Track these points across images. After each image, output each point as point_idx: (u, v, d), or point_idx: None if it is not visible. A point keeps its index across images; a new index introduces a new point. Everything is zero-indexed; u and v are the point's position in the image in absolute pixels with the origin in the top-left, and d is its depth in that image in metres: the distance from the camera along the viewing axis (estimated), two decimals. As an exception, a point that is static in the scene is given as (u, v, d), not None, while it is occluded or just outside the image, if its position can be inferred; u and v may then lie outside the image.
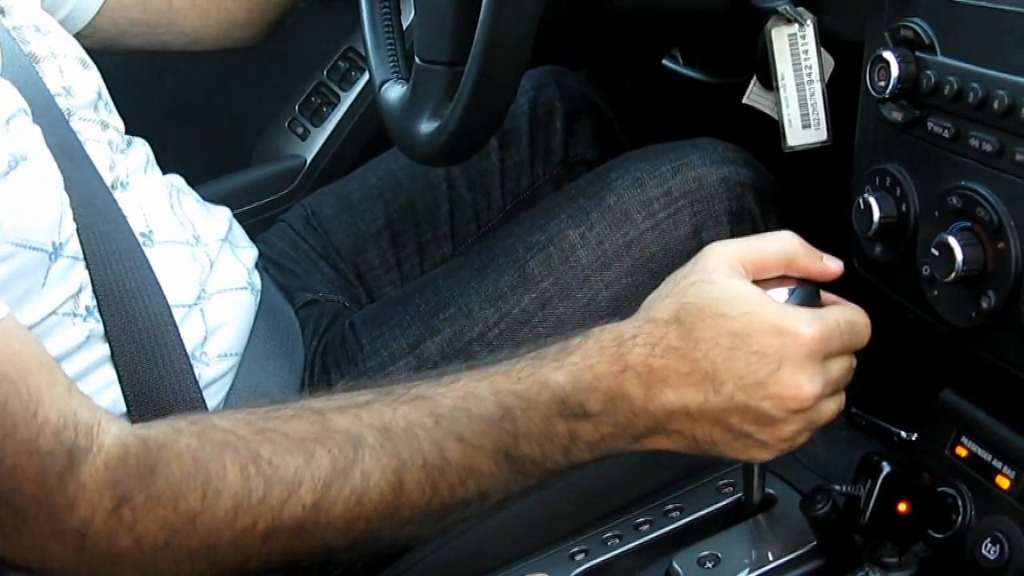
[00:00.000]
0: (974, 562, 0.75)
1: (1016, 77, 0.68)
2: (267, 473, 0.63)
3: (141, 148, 0.96)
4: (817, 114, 0.93)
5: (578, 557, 0.82)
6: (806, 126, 0.93)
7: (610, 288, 0.97)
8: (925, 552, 0.78)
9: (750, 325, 0.65)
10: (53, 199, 0.75)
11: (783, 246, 0.70)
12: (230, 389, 0.89)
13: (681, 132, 1.05)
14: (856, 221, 0.81)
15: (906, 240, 0.78)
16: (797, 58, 0.92)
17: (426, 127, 0.94)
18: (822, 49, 0.91)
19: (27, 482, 0.60)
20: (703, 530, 0.81)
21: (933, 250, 0.73)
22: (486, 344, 0.97)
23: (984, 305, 0.71)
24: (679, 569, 0.77)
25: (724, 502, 0.84)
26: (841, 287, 0.73)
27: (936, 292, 0.75)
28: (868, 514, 0.73)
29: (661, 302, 0.69)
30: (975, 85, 0.70)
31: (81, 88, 0.89)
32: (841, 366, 0.68)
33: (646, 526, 0.83)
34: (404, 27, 1.07)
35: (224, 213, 1.04)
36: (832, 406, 0.69)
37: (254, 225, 1.19)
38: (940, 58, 0.74)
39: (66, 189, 0.76)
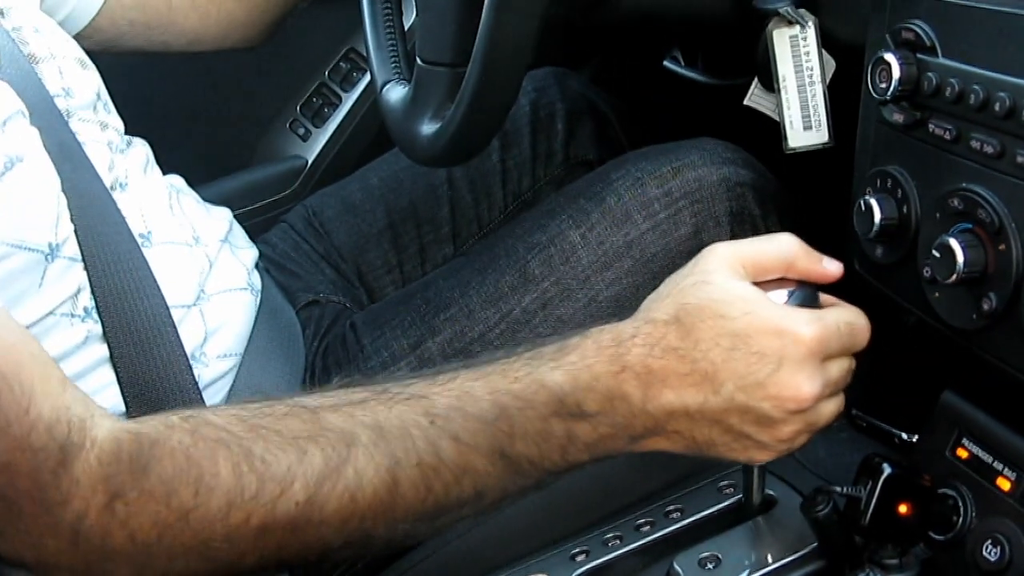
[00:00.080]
0: (975, 564, 0.75)
1: (1017, 79, 0.68)
2: (260, 470, 0.63)
3: (141, 149, 0.96)
4: (818, 116, 0.93)
5: (579, 558, 0.82)
6: (807, 128, 0.93)
7: (611, 288, 0.97)
8: (926, 554, 0.78)
9: (750, 326, 0.65)
10: (49, 200, 0.75)
11: (783, 248, 0.70)
12: (230, 390, 0.89)
13: (682, 133, 1.05)
14: (857, 223, 0.81)
15: (907, 242, 0.78)
16: (798, 60, 0.92)
17: (428, 128, 0.94)
18: (823, 51, 0.91)
19: (21, 477, 0.60)
20: (704, 531, 0.81)
21: (934, 252, 0.73)
22: (487, 344, 0.97)
23: (985, 307, 0.71)
24: (680, 570, 0.77)
25: (725, 503, 0.84)
26: (842, 289, 0.74)
27: (937, 294, 0.75)
28: (869, 516, 0.73)
29: (660, 303, 0.69)
30: (976, 87, 0.70)
31: (80, 89, 0.89)
32: (840, 367, 0.69)
33: (647, 527, 0.83)
34: (406, 28, 1.07)
35: (224, 214, 1.04)
36: (831, 407, 0.69)
37: (255, 226, 1.19)
38: (941, 60, 0.74)
39: (64, 190, 0.76)
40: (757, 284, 0.69)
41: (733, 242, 0.71)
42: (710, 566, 0.76)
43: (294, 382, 0.97)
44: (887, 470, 0.73)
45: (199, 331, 0.87)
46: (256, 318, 0.96)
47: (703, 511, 0.84)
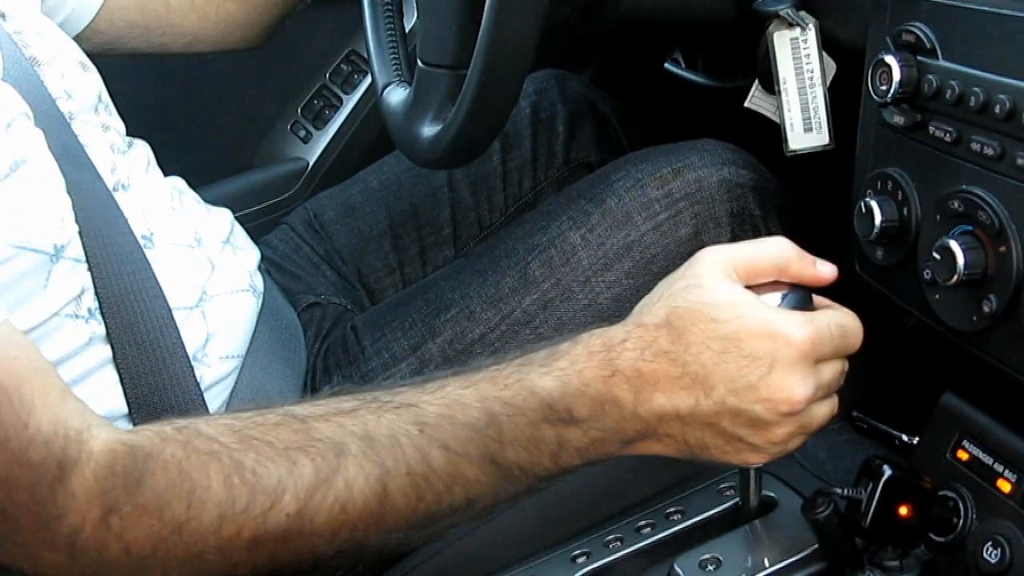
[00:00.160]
0: (975, 566, 0.75)
1: (1017, 81, 0.68)
2: (251, 482, 0.63)
3: (142, 150, 0.97)
4: (819, 118, 0.93)
5: (579, 560, 0.82)
6: (808, 130, 0.93)
7: (611, 289, 0.97)
8: (926, 555, 0.78)
9: (741, 329, 0.65)
10: (54, 201, 0.75)
11: (776, 252, 0.70)
12: (232, 391, 0.89)
13: (683, 136, 1.05)
14: (858, 225, 0.81)
15: (907, 244, 0.78)
16: (799, 62, 0.92)
17: (428, 130, 0.94)
18: (824, 53, 0.91)
19: (19, 491, 0.60)
20: (704, 533, 0.81)
21: (934, 254, 0.73)
22: (487, 345, 0.97)
23: (985, 309, 0.71)
24: (680, 572, 0.77)
25: (725, 505, 0.84)
26: (842, 291, 0.74)
27: (937, 296, 0.75)
28: (869, 517, 0.73)
29: (652, 306, 0.69)
30: (976, 89, 0.70)
31: (81, 91, 0.89)
32: (833, 370, 0.68)
33: (647, 529, 0.83)
34: (406, 30, 1.07)
35: (226, 215, 1.04)
36: (824, 410, 0.69)
37: (256, 227, 1.19)
38: (942, 62, 0.74)
39: (67, 192, 0.77)
40: (750, 287, 0.69)
41: (725, 246, 0.70)
42: (711, 568, 0.76)
43: (295, 384, 0.97)
44: (887, 472, 0.73)
45: (201, 332, 0.87)
46: (258, 320, 0.96)
47: (704, 513, 0.84)
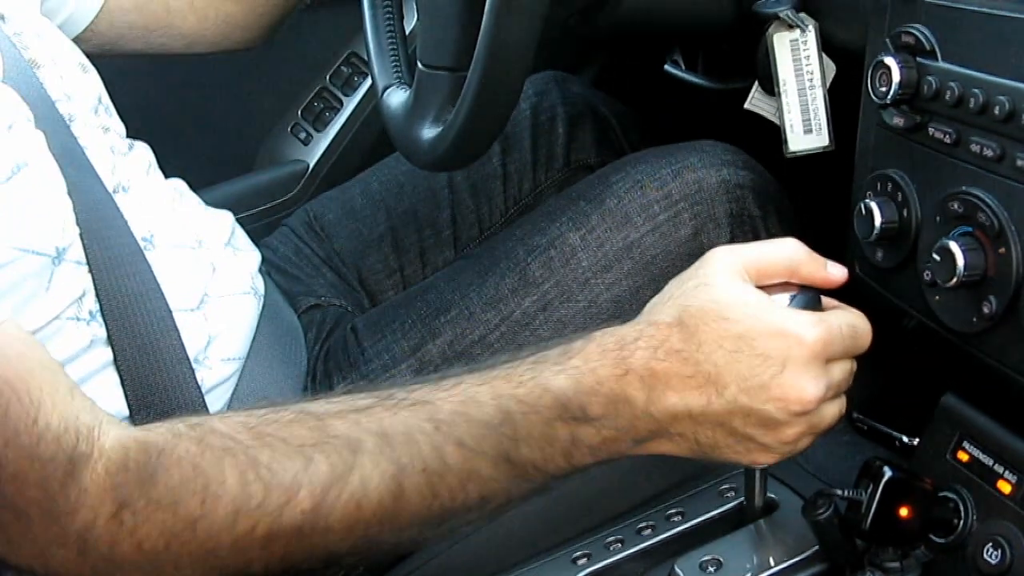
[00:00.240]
0: (976, 567, 0.75)
1: (1017, 83, 0.68)
2: (266, 479, 0.63)
3: (143, 152, 0.97)
4: (818, 119, 0.93)
5: (580, 561, 0.82)
6: (808, 131, 0.93)
7: (611, 290, 0.97)
8: (927, 556, 0.78)
9: (753, 328, 0.66)
10: (56, 204, 0.75)
11: (787, 254, 0.70)
12: (233, 394, 0.90)
13: (683, 137, 1.05)
14: (857, 226, 0.81)
15: (907, 245, 0.78)
16: (799, 63, 0.92)
17: (429, 132, 0.94)
18: (823, 55, 0.92)
19: (30, 487, 0.60)
20: (705, 535, 0.81)
21: (934, 255, 0.73)
22: (487, 346, 0.97)
23: (985, 310, 0.71)
24: (681, 573, 0.77)
25: (726, 507, 0.84)
26: (842, 292, 0.74)
27: (937, 297, 0.75)
28: (870, 519, 0.73)
29: (663, 306, 0.69)
30: (976, 91, 0.70)
31: (81, 93, 0.89)
32: (843, 369, 0.69)
33: (648, 530, 0.83)
34: (407, 32, 1.07)
35: (227, 217, 1.04)
36: (834, 409, 0.69)
37: (257, 230, 1.19)
38: (941, 64, 0.74)
39: (68, 194, 0.77)
40: (760, 288, 0.69)
41: (736, 246, 0.71)
42: (711, 569, 0.76)
43: (296, 386, 0.97)
44: (888, 473, 0.73)
45: (203, 334, 0.87)
46: (259, 322, 0.96)
47: (704, 514, 0.84)
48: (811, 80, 0.92)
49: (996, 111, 0.69)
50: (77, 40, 1.01)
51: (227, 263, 0.96)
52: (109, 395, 0.78)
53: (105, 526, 0.61)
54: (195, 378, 0.82)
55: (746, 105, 1.01)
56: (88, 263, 0.77)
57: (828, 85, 0.92)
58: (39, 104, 0.80)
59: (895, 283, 0.81)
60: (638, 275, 0.97)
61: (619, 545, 0.83)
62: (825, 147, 0.93)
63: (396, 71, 1.03)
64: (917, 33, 0.76)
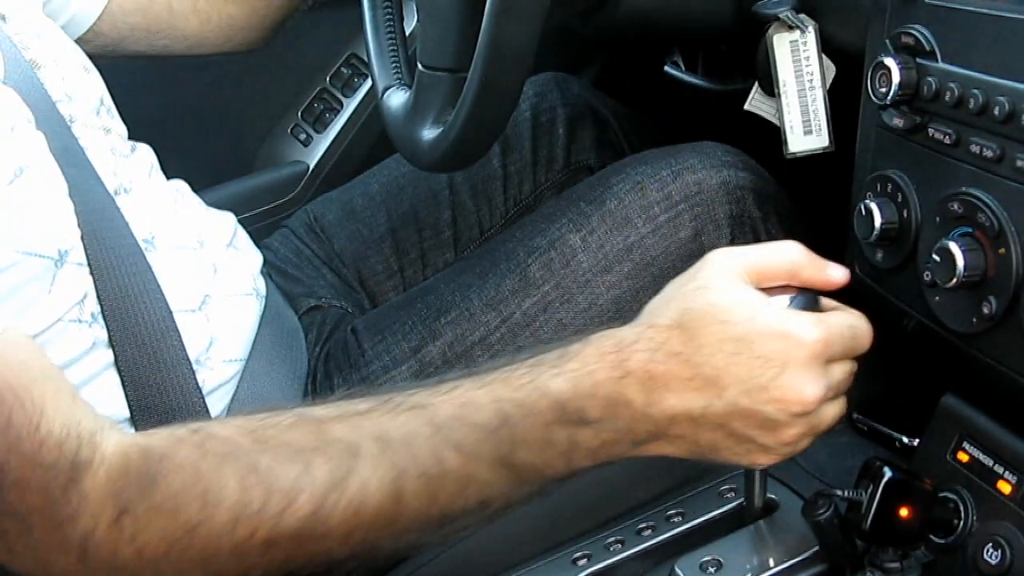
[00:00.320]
0: (976, 567, 0.75)
1: (1016, 83, 0.68)
2: (265, 483, 0.63)
3: (144, 153, 0.97)
4: (818, 120, 0.93)
5: (580, 562, 0.82)
6: (807, 132, 0.93)
7: (611, 291, 0.97)
8: (927, 557, 0.78)
9: (753, 330, 0.65)
10: (57, 206, 0.75)
11: (787, 257, 0.70)
12: (234, 395, 0.90)
13: (683, 138, 1.05)
14: (857, 227, 0.81)
15: (907, 246, 0.78)
16: (798, 64, 0.92)
17: (429, 133, 0.94)
18: (823, 55, 0.92)
19: (31, 493, 0.60)
20: (705, 535, 0.81)
21: (934, 256, 0.73)
22: (487, 348, 0.97)
23: (985, 311, 0.71)
24: (681, 574, 0.77)
25: (726, 507, 0.84)
26: (842, 292, 0.74)
27: (937, 298, 0.75)
28: (870, 519, 0.73)
29: (663, 308, 0.69)
30: (976, 91, 0.70)
31: (83, 94, 0.89)
32: (843, 370, 0.68)
33: (648, 531, 0.83)
34: (407, 33, 1.08)
35: (229, 219, 1.04)
36: (834, 410, 0.69)
37: (257, 231, 1.19)
38: (941, 64, 0.74)
39: (70, 196, 0.77)
40: (760, 290, 0.69)
41: (736, 249, 0.70)
42: (711, 570, 0.76)
43: (296, 387, 0.97)
44: (888, 474, 0.73)
45: (204, 335, 0.87)
46: (260, 323, 0.96)
47: (704, 515, 0.84)
48: (811, 81, 0.92)
49: (996, 112, 0.69)
50: (80, 41, 1.01)
51: (229, 264, 0.96)
52: (110, 397, 0.78)
53: (106, 532, 0.61)
54: (196, 379, 0.82)
55: (746, 106, 1.01)
56: (89, 265, 0.77)
57: (828, 86, 0.93)
58: (40, 105, 0.80)
59: (895, 284, 0.81)
60: (638, 276, 0.97)
61: (619, 546, 0.83)
62: (825, 148, 0.93)
63: (396, 72, 1.03)
64: (917, 34, 0.76)
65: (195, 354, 0.84)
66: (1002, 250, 0.69)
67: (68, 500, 0.61)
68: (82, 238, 0.77)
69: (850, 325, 0.68)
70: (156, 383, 0.80)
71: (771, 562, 0.77)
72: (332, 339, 1.03)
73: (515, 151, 1.20)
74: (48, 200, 0.74)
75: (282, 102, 1.52)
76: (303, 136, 1.50)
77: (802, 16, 0.91)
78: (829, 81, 0.93)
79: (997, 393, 0.76)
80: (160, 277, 0.83)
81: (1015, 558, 0.73)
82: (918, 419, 0.86)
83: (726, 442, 0.67)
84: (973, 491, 0.77)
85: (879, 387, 0.93)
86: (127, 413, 0.79)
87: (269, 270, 1.10)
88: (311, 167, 1.48)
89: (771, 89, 0.95)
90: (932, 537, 0.78)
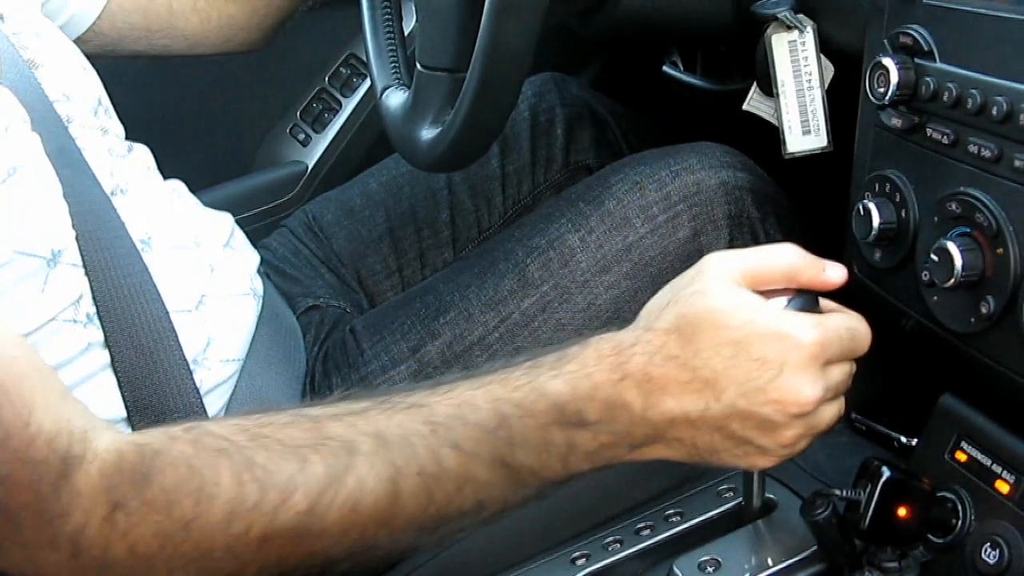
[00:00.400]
0: (974, 567, 0.75)
1: (1014, 83, 0.68)
2: (261, 479, 0.63)
3: (142, 154, 0.97)
4: (817, 120, 0.93)
5: (579, 562, 0.82)
6: (806, 132, 0.93)
7: (609, 292, 0.97)
8: (925, 556, 0.78)
9: (751, 333, 0.65)
10: (51, 206, 0.75)
11: (785, 260, 0.69)
12: (232, 395, 0.90)
13: (682, 138, 1.05)
14: (856, 227, 0.81)
15: (906, 246, 0.78)
16: (797, 65, 0.92)
17: (427, 133, 0.94)
18: (822, 56, 0.92)
19: (21, 490, 0.60)
20: (704, 535, 0.81)
21: (932, 256, 0.73)
22: (486, 348, 0.97)
23: (983, 310, 0.71)
24: (679, 573, 0.77)
25: (725, 507, 0.84)
26: (840, 292, 0.74)
27: (936, 297, 0.76)
28: (868, 519, 0.73)
29: (661, 312, 0.68)
30: (974, 91, 0.70)
31: (80, 94, 0.89)
32: (842, 371, 0.68)
33: (647, 531, 0.83)
34: (406, 33, 1.08)
35: (226, 219, 1.04)
36: (832, 411, 0.69)
37: (256, 231, 1.20)
38: (939, 65, 0.74)
39: (65, 196, 0.77)
40: (758, 293, 0.69)
41: (734, 253, 0.70)
42: (710, 570, 0.76)
43: (295, 387, 0.97)
44: (886, 473, 0.73)
45: (201, 336, 0.87)
46: (258, 323, 0.96)
47: (703, 515, 0.84)
48: (809, 81, 0.92)
49: (994, 112, 0.69)
50: (79, 41, 1.01)
51: (226, 264, 0.96)
52: (106, 397, 0.78)
53: (98, 528, 0.61)
54: (193, 380, 0.82)
55: (744, 106, 1.01)
56: (84, 266, 0.77)
57: (826, 86, 0.93)
58: (36, 105, 0.80)
59: (893, 283, 0.82)
60: (637, 276, 0.97)
61: (618, 545, 0.83)
62: (823, 148, 0.94)
63: (395, 72, 1.03)
64: (915, 34, 0.76)
65: (192, 354, 0.84)
66: (1000, 250, 0.70)
67: (59, 496, 0.60)
68: (77, 238, 0.77)
69: (848, 327, 0.68)
70: (153, 384, 0.80)
71: (769, 562, 0.77)
72: (330, 339, 1.03)
73: (514, 151, 1.20)
74: (41, 200, 0.74)
75: (281, 102, 1.52)
76: (302, 136, 1.51)
77: (800, 16, 0.91)
78: (827, 81, 0.93)
79: (995, 393, 0.76)
80: (156, 277, 0.82)
81: (1013, 557, 0.73)
82: (916, 419, 0.86)
83: (724, 444, 0.67)
84: (971, 491, 0.77)
85: (877, 387, 0.94)
86: (124, 413, 0.79)
87: (268, 270, 1.10)
88: (310, 167, 1.48)
89: (770, 89, 0.95)
90: (930, 537, 0.78)
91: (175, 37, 1.13)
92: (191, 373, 0.82)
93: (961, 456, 0.79)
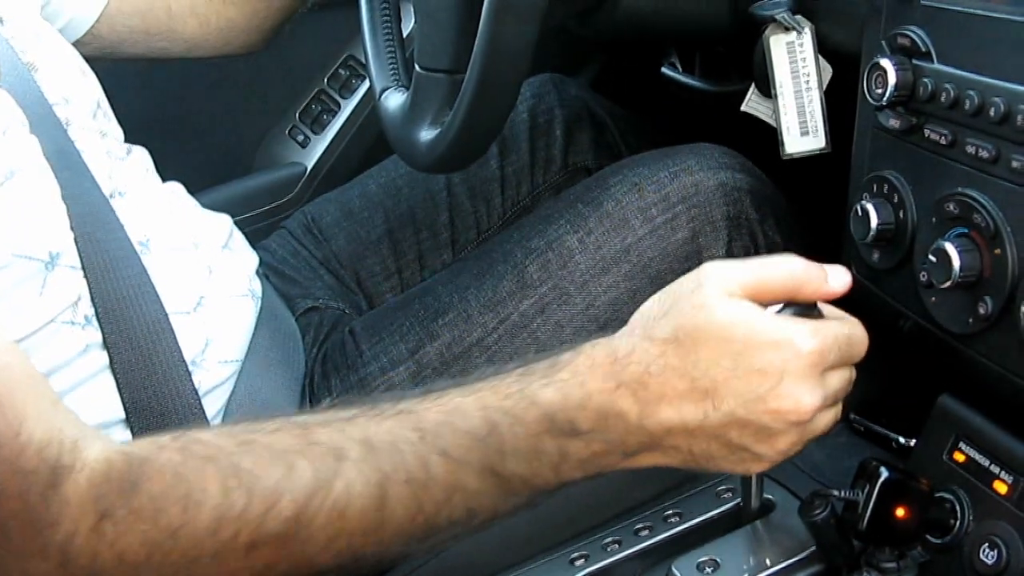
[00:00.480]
0: (972, 567, 0.75)
1: (1012, 84, 0.68)
2: (248, 485, 0.63)
3: (140, 156, 0.97)
4: (815, 121, 0.93)
5: (578, 563, 0.82)
6: (804, 133, 0.94)
7: (608, 293, 0.97)
8: (923, 557, 0.78)
9: (751, 344, 0.64)
10: (49, 209, 0.75)
11: (786, 274, 0.67)
12: (230, 396, 0.89)
13: (680, 140, 1.05)
14: (854, 228, 0.81)
15: (903, 247, 0.79)
16: (795, 66, 0.92)
17: (426, 135, 0.94)
18: (820, 57, 0.92)
19: (10, 499, 0.59)
20: (702, 535, 0.81)
21: (930, 256, 0.73)
22: (485, 349, 0.97)
23: (981, 311, 0.71)
24: (678, 574, 0.77)
25: (723, 508, 0.84)
26: (839, 293, 0.74)
27: (934, 298, 0.76)
28: (866, 519, 0.73)
29: (658, 321, 0.67)
30: (971, 92, 0.70)
31: (79, 97, 0.89)
32: (840, 378, 0.68)
33: (645, 531, 0.83)
34: (404, 35, 1.08)
35: (225, 220, 1.04)
36: (829, 417, 0.68)
37: (255, 232, 1.20)
38: (937, 66, 0.74)
39: (63, 198, 0.77)
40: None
41: (734, 264, 0.68)
42: (708, 570, 0.76)
43: (294, 388, 0.97)
44: (884, 474, 0.73)
45: (200, 337, 0.87)
46: (256, 324, 0.96)
47: (702, 515, 0.84)
48: (807, 82, 0.92)
49: (991, 112, 0.69)
50: (78, 43, 1.01)
51: (224, 266, 0.96)
52: (105, 399, 0.78)
53: (86, 538, 0.61)
54: (192, 381, 0.82)
55: (743, 107, 1.01)
56: (83, 268, 0.77)
57: (824, 87, 0.93)
58: (35, 108, 0.80)
59: (891, 284, 0.82)
60: (636, 278, 0.97)
61: (617, 546, 0.83)
62: (821, 149, 0.94)
63: (394, 74, 1.04)
64: (913, 35, 0.76)
65: (191, 356, 0.84)
66: (998, 250, 0.70)
67: (48, 506, 0.60)
68: (76, 241, 0.77)
69: (847, 334, 0.67)
70: (151, 385, 0.80)
71: (768, 562, 0.77)
72: (329, 340, 1.03)
73: (513, 152, 1.20)
74: (39, 203, 0.74)
75: (280, 104, 1.52)
76: (301, 137, 1.51)
77: (798, 17, 0.91)
78: (825, 82, 0.93)
79: (993, 393, 0.76)
80: (155, 279, 0.82)
81: (1011, 558, 0.73)
82: (915, 419, 0.86)
83: (721, 452, 0.67)
84: (969, 491, 0.77)
85: (876, 388, 0.94)
86: (122, 415, 0.79)
87: (266, 271, 1.10)
88: (309, 168, 1.48)
89: (768, 90, 0.95)
90: (928, 537, 0.78)
91: (174, 40, 1.13)
92: (190, 374, 0.82)
93: (959, 456, 0.79)
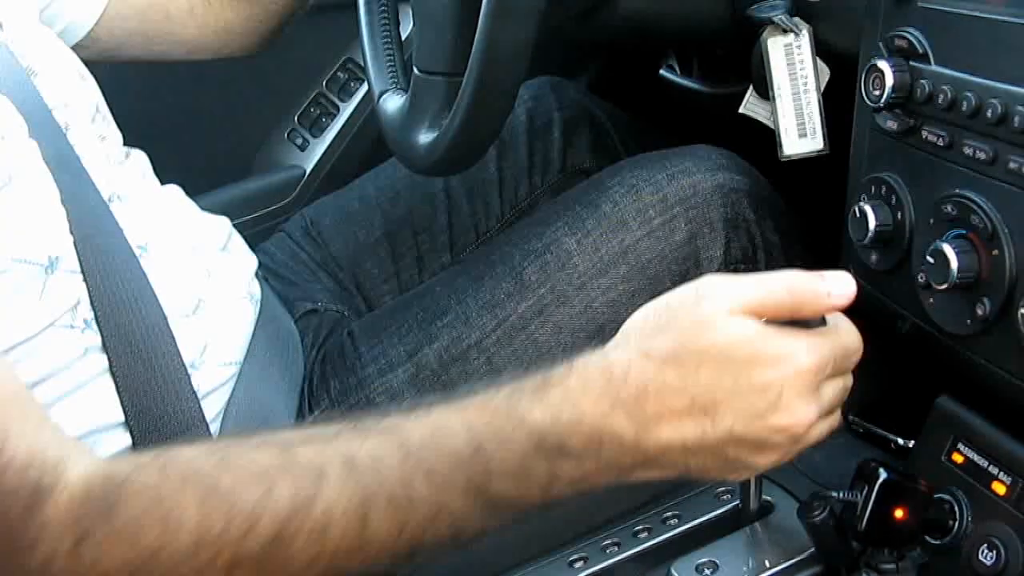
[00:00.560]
0: (971, 568, 0.75)
1: (1009, 86, 0.68)
2: (227, 505, 0.61)
3: (139, 159, 0.97)
4: (813, 123, 0.93)
5: (577, 564, 0.82)
6: (802, 135, 0.94)
7: (606, 294, 0.97)
8: (922, 558, 0.78)
9: (751, 362, 0.63)
10: (49, 213, 0.75)
11: (788, 294, 0.65)
12: (229, 398, 0.89)
13: (679, 142, 1.05)
14: (852, 229, 0.81)
15: (902, 248, 0.79)
16: (793, 68, 0.93)
17: (425, 137, 0.94)
18: (817, 59, 0.92)
19: None
20: (701, 537, 0.81)
21: (928, 258, 0.73)
22: (483, 351, 0.97)
23: (979, 312, 0.71)
24: (677, 576, 0.77)
25: (722, 509, 0.84)
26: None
27: (932, 299, 0.76)
28: (865, 520, 0.73)
29: (656, 336, 0.65)
30: (969, 94, 0.70)
31: (78, 101, 0.89)
32: (835, 388, 0.67)
33: (644, 533, 0.84)
34: (403, 38, 1.08)
35: (223, 223, 1.04)
36: (824, 427, 0.67)
37: (253, 235, 1.19)
38: (934, 67, 0.75)
39: (63, 203, 0.77)
40: None
41: (737, 281, 0.66)
42: (707, 572, 0.77)
43: (293, 391, 0.97)
44: (883, 475, 0.73)
45: (199, 340, 0.87)
46: (255, 327, 0.96)
47: (700, 517, 0.84)
48: (805, 84, 0.93)
49: (989, 114, 0.69)
50: (76, 47, 1.01)
51: (223, 268, 0.96)
52: (104, 402, 0.78)
53: (66, 560, 0.60)
54: (191, 383, 0.82)
55: (741, 109, 1.01)
56: (82, 272, 0.77)
57: (822, 89, 0.93)
58: (34, 112, 0.80)
59: (889, 286, 0.82)
60: (634, 279, 0.97)
61: (616, 548, 0.83)
62: (819, 151, 0.94)
63: (392, 76, 1.04)
64: (910, 37, 0.76)
65: (190, 358, 0.84)
66: (995, 252, 0.70)
67: (27, 527, 0.59)
68: (75, 244, 0.77)
69: (843, 345, 0.66)
70: (151, 388, 0.79)
71: (767, 564, 0.77)
72: (328, 343, 1.03)
73: (511, 155, 1.20)
74: (39, 208, 0.74)
75: (278, 107, 1.53)
76: (299, 140, 1.51)
77: (796, 19, 0.91)
78: (823, 84, 0.93)
79: (992, 394, 0.76)
80: (154, 282, 0.82)
81: (1010, 559, 0.73)
82: (913, 421, 0.86)
83: (716, 464, 0.65)
84: (968, 492, 0.77)
85: (874, 389, 0.94)
86: (122, 418, 0.79)
87: (265, 274, 1.10)
88: (307, 171, 1.49)
89: (766, 92, 0.95)
90: (927, 538, 0.78)
91: (172, 43, 1.13)
92: (189, 377, 0.82)
93: (958, 458, 0.79)
